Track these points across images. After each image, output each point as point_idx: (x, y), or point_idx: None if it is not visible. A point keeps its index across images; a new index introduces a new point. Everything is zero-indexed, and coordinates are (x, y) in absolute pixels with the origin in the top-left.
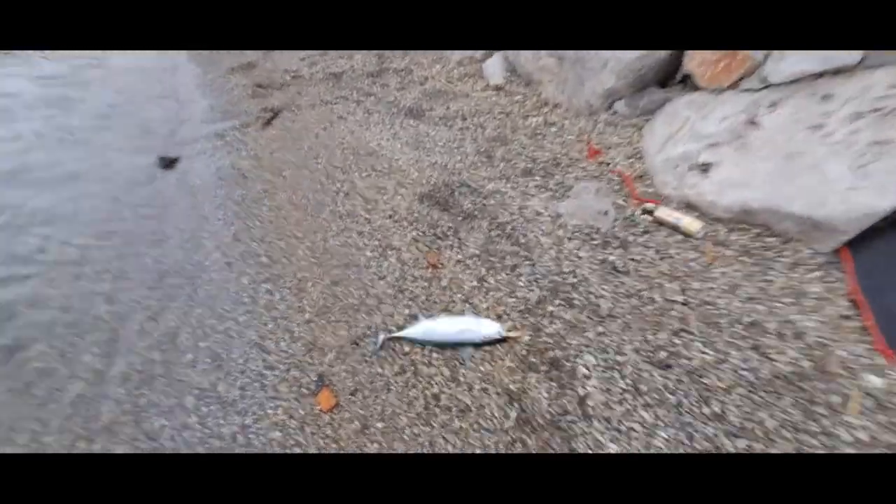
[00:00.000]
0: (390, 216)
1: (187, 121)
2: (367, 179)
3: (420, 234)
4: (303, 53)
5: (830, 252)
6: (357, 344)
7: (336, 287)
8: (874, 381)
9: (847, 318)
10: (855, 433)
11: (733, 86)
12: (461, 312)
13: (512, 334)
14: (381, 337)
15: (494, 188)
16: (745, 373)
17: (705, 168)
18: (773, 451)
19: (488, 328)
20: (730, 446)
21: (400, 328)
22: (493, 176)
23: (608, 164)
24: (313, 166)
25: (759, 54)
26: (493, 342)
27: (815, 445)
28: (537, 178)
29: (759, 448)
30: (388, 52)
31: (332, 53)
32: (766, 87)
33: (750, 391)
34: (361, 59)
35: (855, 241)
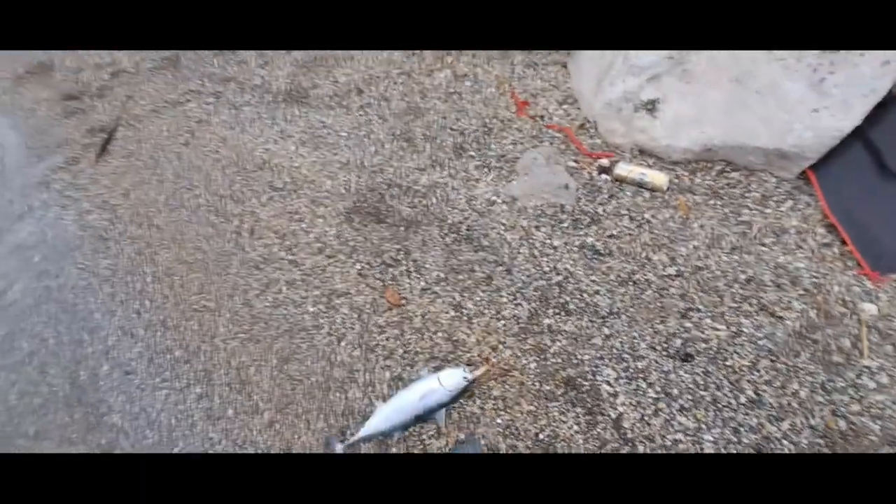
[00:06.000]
0: (320, 250)
1: None
2: (270, 205)
3: (365, 265)
4: None
5: (794, 177)
6: (344, 433)
7: (288, 365)
8: (869, 308)
9: (828, 245)
10: (876, 378)
11: None
12: (446, 356)
13: (479, 373)
14: (338, 449)
15: (430, 181)
16: (762, 341)
17: (651, 107)
18: (814, 422)
19: (449, 379)
20: (776, 432)
21: (364, 418)
22: (423, 164)
23: (542, 117)
24: (192, 202)
25: None
26: (465, 390)
27: (849, 402)
28: (473, 154)
29: (799, 423)
30: None
31: None
32: None
33: (772, 360)
34: None
35: (816, 162)
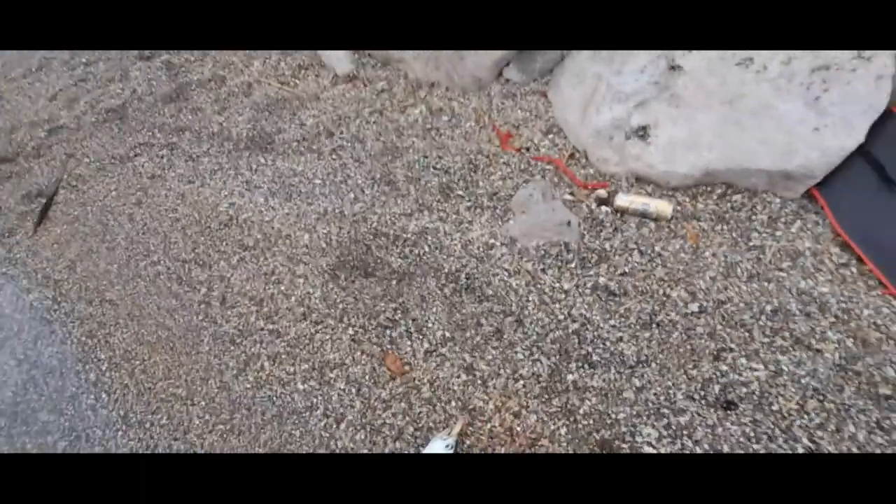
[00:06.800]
0: (304, 316)
1: None
2: (242, 267)
3: (359, 329)
4: (51, 90)
5: (799, 197)
6: None
7: None
8: None
9: (845, 265)
10: None
11: None
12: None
13: (457, 429)
14: None
15: (419, 227)
16: (805, 379)
17: (643, 133)
18: None
19: (435, 448)
20: None
21: None
22: (410, 209)
23: (528, 149)
24: (149, 270)
25: None
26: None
27: None
28: (462, 194)
29: None
30: (177, 60)
31: (98, 79)
32: None
33: (820, 399)
34: (143, 78)
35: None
